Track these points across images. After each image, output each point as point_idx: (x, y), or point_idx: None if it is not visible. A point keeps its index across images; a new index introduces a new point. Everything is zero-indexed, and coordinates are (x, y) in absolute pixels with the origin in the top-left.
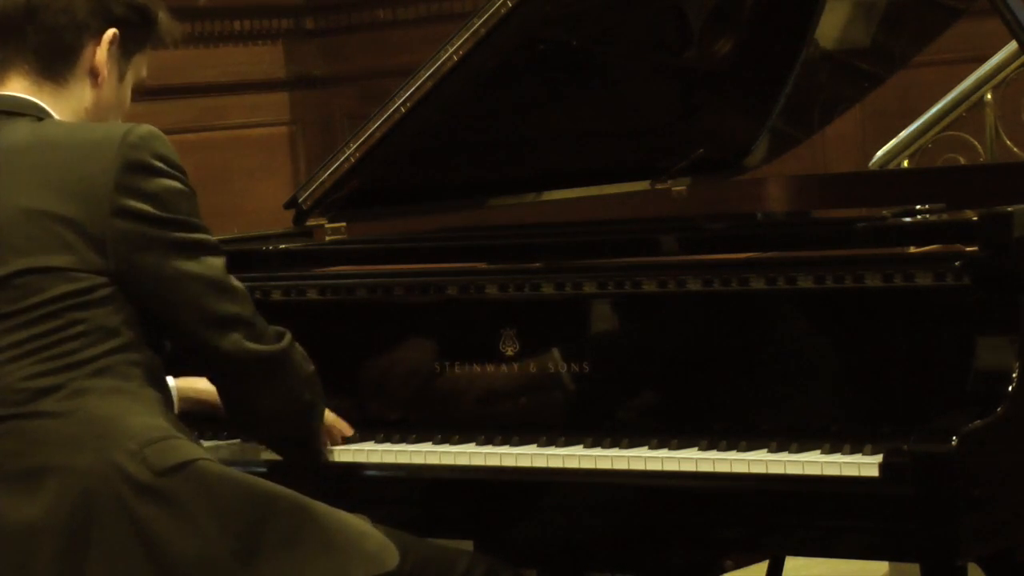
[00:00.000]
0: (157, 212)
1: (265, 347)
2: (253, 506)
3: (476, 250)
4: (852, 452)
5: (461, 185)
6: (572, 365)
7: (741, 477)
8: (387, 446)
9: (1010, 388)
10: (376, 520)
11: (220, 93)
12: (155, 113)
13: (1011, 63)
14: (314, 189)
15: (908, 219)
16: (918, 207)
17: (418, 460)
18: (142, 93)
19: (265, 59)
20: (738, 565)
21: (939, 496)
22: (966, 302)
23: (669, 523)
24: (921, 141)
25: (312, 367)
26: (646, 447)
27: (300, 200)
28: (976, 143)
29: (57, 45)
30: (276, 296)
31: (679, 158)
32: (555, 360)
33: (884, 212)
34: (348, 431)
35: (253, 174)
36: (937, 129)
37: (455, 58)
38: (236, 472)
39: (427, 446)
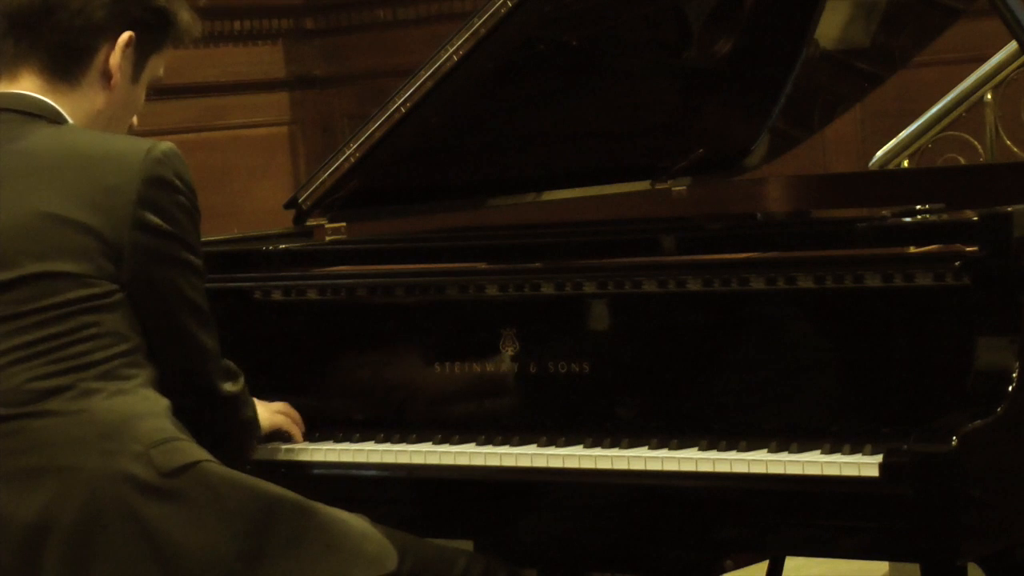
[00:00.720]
0: (172, 229)
1: (227, 388)
2: (257, 507)
3: (476, 250)
4: (852, 452)
5: (461, 185)
6: (572, 365)
7: (741, 477)
8: (387, 446)
9: (1010, 388)
10: (375, 520)
11: (220, 93)
12: (155, 113)
13: (1011, 63)
14: (314, 189)
15: (908, 219)
16: (918, 207)
17: (418, 460)
18: None
19: (265, 59)
20: (738, 565)
21: (939, 496)
22: (966, 302)
23: (669, 523)
24: (921, 141)
25: (251, 412)
26: (646, 447)
27: (300, 200)
28: (976, 143)
29: (72, 46)
30: (276, 296)
31: (679, 158)
32: (555, 360)
33: (884, 212)
34: (299, 437)
35: (253, 174)
36: (937, 129)
37: (455, 58)
38: (239, 474)
39: (427, 446)
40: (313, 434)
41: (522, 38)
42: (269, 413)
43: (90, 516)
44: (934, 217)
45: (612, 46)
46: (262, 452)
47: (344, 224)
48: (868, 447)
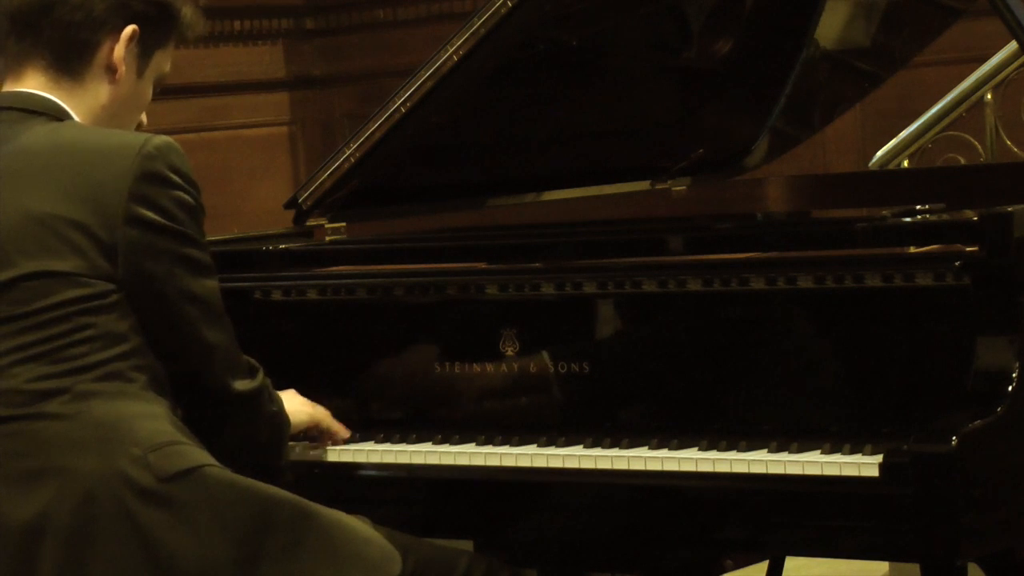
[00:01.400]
0: (168, 224)
1: (240, 386)
2: (256, 514)
3: (476, 250)
4: (852, 452)
5: (461, 185)
6: (572, 365)
7: (741, 477)
8: (387, 446)
9: (1010, 388)
10: (376, 520)
11: (220, 93)
12: (155, 113)
13: (1011, 63)
14: (314, 189)
15: (908, 219)
16: (918, 207)
17: (418, 460)
18: None
19: (265, 59)
20: (738, 565)
21: (939, 496)
22: (966, 302)
23: (669, 523)
24: (921, 141)
25: (275, 407)
26: (646, 447)
27: (300, 200)
28: (976, 143)
29: (73, 41)
30: (276, 296)
31: (679, 158)
32: (555, 360)
33: (884, 212)
34: (345, 434)
35: (253, 174)
36: (937, 129)
37: (455, 58)
38: (239, 479)
39: (427, 446)
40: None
41: (522, 38)
42: (304, 407)
43: (86, 518)
44: (934, 217)
45: (612, 46)
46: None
47: (344, 224)
48: (868, 447)
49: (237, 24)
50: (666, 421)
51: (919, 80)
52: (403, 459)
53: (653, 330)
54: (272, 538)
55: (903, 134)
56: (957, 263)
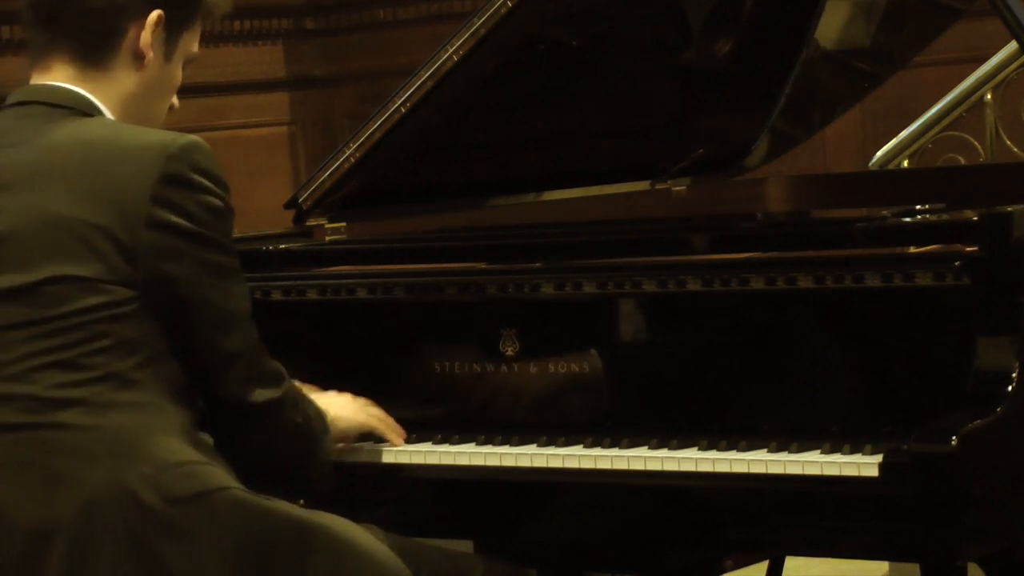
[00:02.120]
0: (190, 227)
1: (259, 396)
2: (262, 540)
3: (476, 250)
4: (852, 452)
5: (461, 185)
6: (572, 365)
7: (741, 477)
8: (386, 446)
9: (1010, 388)
10: (375, 521)
11: (220, 93)
12: None
13: (1011, 63)
14: (314, 189)
15: (908, 219)
16: (918, 207)
17: (417, 460)
18: None
19: (265, 59)
20: (738, 565)
21: (939, 496)
22: (966, 302)
23: (669, 523)
24: (921, 141)
25: (300, 418)
26: (646, 447)
27: (300, 200)
28: (976, 143)
29: (97, 30)
30: (276, 296)
31: (679, 158)
32: (555, 360)
33: (884, 212)
34: (399, 440)
35: (253, 174)
36: (937, 129)
37: (455, 58)
38: (252, 500)
39: (426, 446)
40: None
41: (522, 38)
42: (357, 414)
43: (91, 531)
44: (934, 217)
45: (612, 46)
46: None
47: (344, 224)
48: (868, 447)
49: (237, 24)
50: (666, 421)
51: (919, 80)
52: (402, 459)
53: (653, 330)
54: (276, 564)
55: (903, 134)
56: (957, 263)
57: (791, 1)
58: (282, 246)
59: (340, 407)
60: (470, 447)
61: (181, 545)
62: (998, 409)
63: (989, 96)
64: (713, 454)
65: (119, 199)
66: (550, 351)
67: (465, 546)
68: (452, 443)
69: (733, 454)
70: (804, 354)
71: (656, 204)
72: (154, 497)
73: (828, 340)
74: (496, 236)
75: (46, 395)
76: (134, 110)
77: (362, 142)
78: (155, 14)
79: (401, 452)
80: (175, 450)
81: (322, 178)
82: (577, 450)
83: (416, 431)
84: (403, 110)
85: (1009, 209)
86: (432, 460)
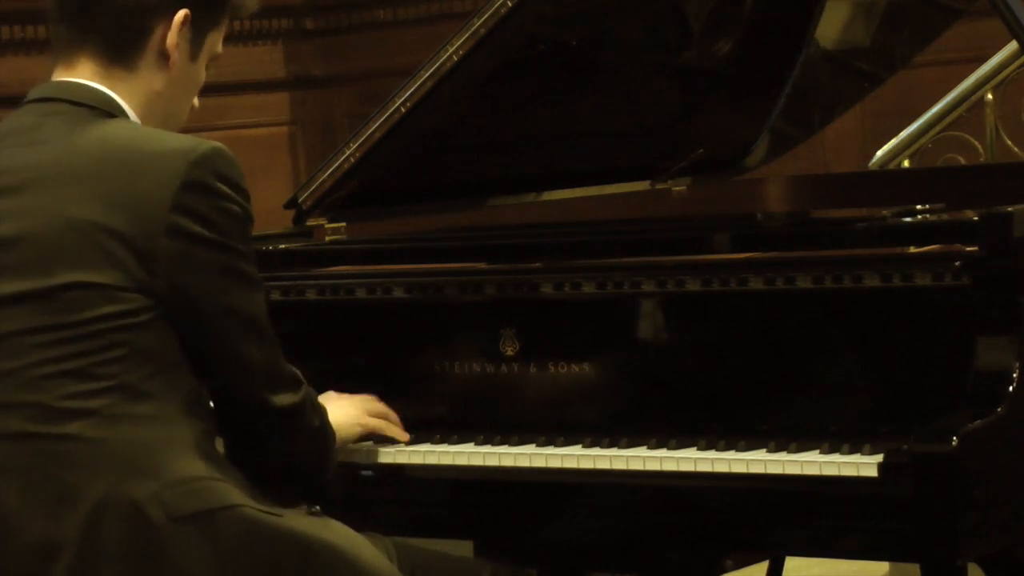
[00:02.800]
0: (211, 235)
1: (280, 400)
2: (262, 562)
3: (476, 250)
4: (851, 452)
5: (461, 185)
6: (572, 365)
7: (740, 477)
8: (385, 447)
9: (1010, 388)
10: (375, 521)
11: (220, 93)
12: None
13: (1011, 63)
14: (314, 189)
15: (908, 219)
16: (918, 207)
17: (416, 460)
18: None
19: (265, 59)
20: (738, 565)
21: (939, 496)
22: (966, 302)
23: (669, 523)
24: (921, 141)
25: (318, 421)
26: (645, 447)
27: (300, 200)
28: (976, 143)
29: (124, 28)
30: (276, 296)
31: (679, 158)
32: (555, 360)
33: (884, 212)
34: (403, 438)
35: (253, 174)
36: (937, 129)
37: (455, 58)
38: (256, 518)
39: (425, 446)
40: None
41: (522, 38)
42: (360, 416)
43: (96, 545)
44: (934, 217)
45: (612, 46)
46: None
47: (344, 224)
48: (867, 447)
49: (237, 24)
50: (665, 421)
51: (919, 80)
52: (401, 459)
53: (652, 330)
54: None
55: (903, 134)
56: (957, 263)
57: (791, 1)
58: (282, 246)
59: (342, 412)
60: (469, 447)
61: (182, 565)
62: (998, 409)
63: (989, 96)
64: (712, 454)
65: (140, 206)
66: (550, 351)
67: (465, 546)
68: (451, 443)
69: (732, 454)
70: (803, 354)
71: (656, 204)
72: (159, 514)
73: (827, 340)
74: (496, 236)
75: (56, 405)
76: (158, 109)
77: (362, 142)
78: (182, 14)
79: (400, 452)
80: (183, 465)
81: (322, 178)
82: (576, 450)
83: (415, 431)
84: (403, 110)
85: (1009, 209)
86: (431, 460)
